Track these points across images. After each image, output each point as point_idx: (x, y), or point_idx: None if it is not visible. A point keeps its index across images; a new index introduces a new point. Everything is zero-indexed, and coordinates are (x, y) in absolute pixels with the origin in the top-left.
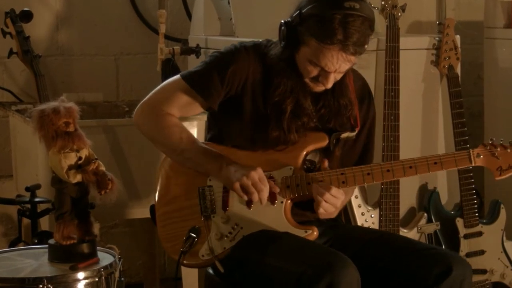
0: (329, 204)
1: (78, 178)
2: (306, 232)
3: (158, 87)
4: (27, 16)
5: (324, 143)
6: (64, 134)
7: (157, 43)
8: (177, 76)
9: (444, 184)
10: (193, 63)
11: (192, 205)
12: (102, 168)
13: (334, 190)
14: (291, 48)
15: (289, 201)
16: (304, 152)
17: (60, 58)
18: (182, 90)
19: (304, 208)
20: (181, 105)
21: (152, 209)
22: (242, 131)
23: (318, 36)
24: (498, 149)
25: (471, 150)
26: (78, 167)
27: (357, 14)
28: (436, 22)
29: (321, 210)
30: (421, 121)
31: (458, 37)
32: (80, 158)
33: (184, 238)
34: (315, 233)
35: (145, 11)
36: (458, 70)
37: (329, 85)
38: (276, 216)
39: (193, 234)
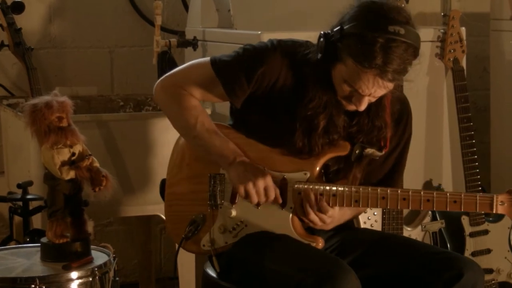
0: (318, 219)
1: (71, 174)
2: (310, 244)
3: (185, 65)
4: (18, 7)
5: (345, 152)
6: (57, 129)
7: (153, 35)
8: (207, 60)
9: (449, 180)
10: (190, 56)
11: (201, 191)
12: (96, 164)
13: (330, 212)
14: (327, 62)
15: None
16: (323, 160)
17: (53, 50)
18: (209, 76)
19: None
20: (204, 91)
21: (163, 184)
22: (263, 130)
23: (356, 57)
24: None
25: (495, 196)
26: (71, 163)
27: (400, 40)
28: (441, 14)
29: (307, 221)
30: (425, 116)
31: (463, 29)
32: (73, 154)
33: (188, 223)
34: (320, 244)
35: (140, 2)
36: (464, 63)
37: (362, 107)
38: (283, 221)
39: (197, 221)
